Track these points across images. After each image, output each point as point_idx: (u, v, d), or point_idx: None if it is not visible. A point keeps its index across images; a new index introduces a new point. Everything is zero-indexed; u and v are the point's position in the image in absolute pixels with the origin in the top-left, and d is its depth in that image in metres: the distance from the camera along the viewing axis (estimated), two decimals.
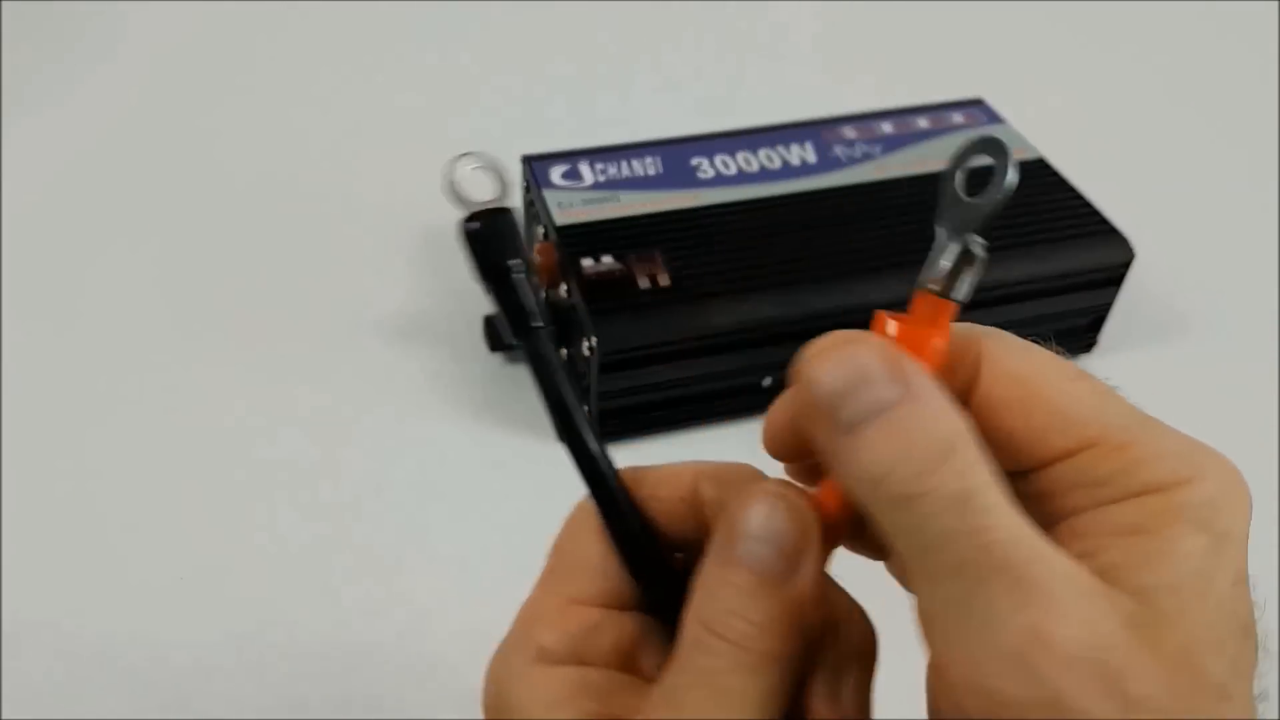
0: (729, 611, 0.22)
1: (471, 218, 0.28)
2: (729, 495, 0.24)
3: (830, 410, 0.21)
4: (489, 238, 0.28)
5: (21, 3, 0.85)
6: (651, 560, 0.25)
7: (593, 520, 0.25)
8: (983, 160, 0.22)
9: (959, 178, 0.23)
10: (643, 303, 0.51)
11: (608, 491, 0.25)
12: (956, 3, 0.90)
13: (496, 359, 0.59)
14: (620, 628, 0.25)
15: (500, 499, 0.52)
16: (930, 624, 0.20)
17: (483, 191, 0.25)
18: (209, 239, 0.67)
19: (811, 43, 0.87)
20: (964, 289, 0.23)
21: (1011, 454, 0.22)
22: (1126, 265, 0.57)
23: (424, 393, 0.58)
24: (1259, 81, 0.83)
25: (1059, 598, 0.18)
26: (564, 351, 0.57)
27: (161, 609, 0.47)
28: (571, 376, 0.23)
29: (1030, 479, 0.22)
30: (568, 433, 0.25)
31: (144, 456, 0.54)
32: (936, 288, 0.23)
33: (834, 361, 0.21)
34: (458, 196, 0.28)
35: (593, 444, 0.25)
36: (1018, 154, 0.63)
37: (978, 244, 0.23)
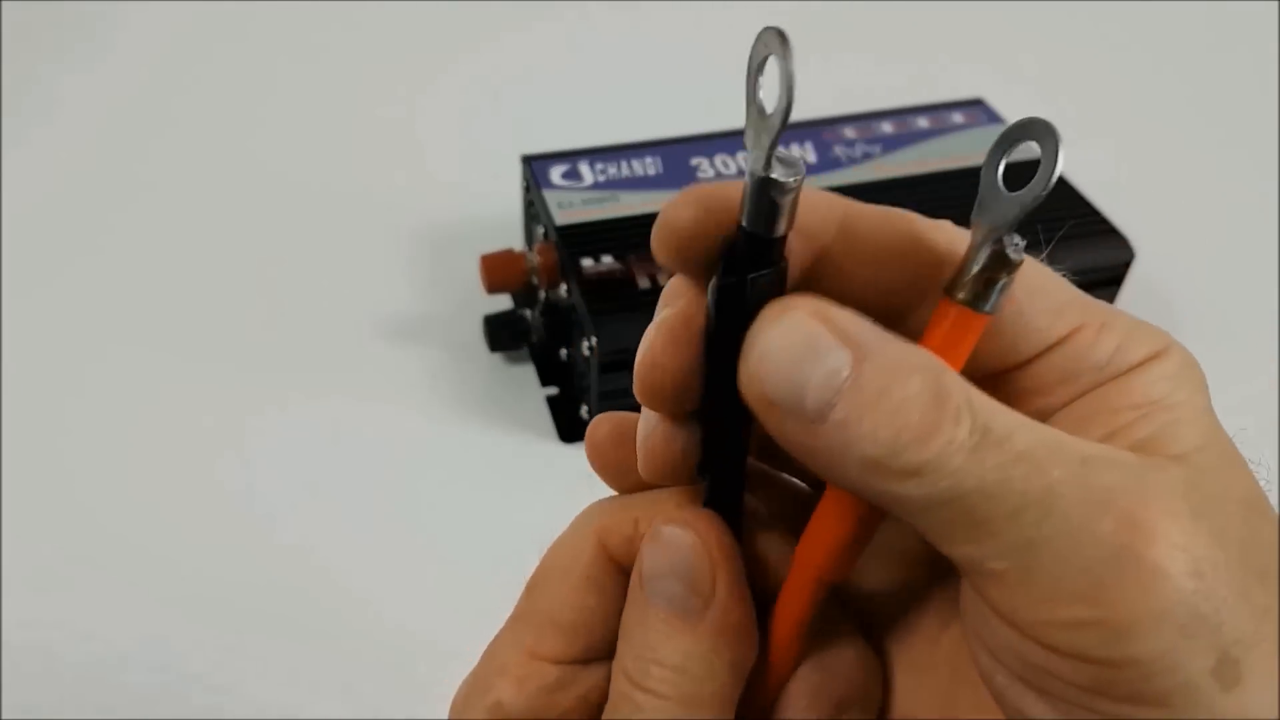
0: (645, 657, 0.21)
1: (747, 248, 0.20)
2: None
3: (792, 405, 0.18)
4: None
5: (21, 2, 0.85)
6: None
7: (569, 566, 0.24)
8: (1023, 153, 0.19)
9: (1001, 167, 0.20)
10: (643, 303, 0.51)
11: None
12: (956, 3, 0.90)
13: (496, 359, 0.59)
14: (588, 680, 0.24)
15: (500, 498, 0.52)
16: (990, 579, 0.18)
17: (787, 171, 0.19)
18: (209, 239, 0.67)
19: (812, 42, 0.87)
20: (994, 298, 0.19)
21: (999, 354, 0.20)
22: (1126, 265, 0.57)
23: (424, 393, 0.58)
24: (1259, 81, 0.83)
25: (1132, 490, 0.17)
26: (564, 351, 0.57)
27: (161, 609, 0.47)
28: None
29: (1010, 378, 0.21)
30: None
31: (144, 457, 0.54)
32: (964, 296, 0.19)
33: (774, 349, 0.18)
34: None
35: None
36: (1017, 154, 0.63)
37: (1016, 245, 0.19)
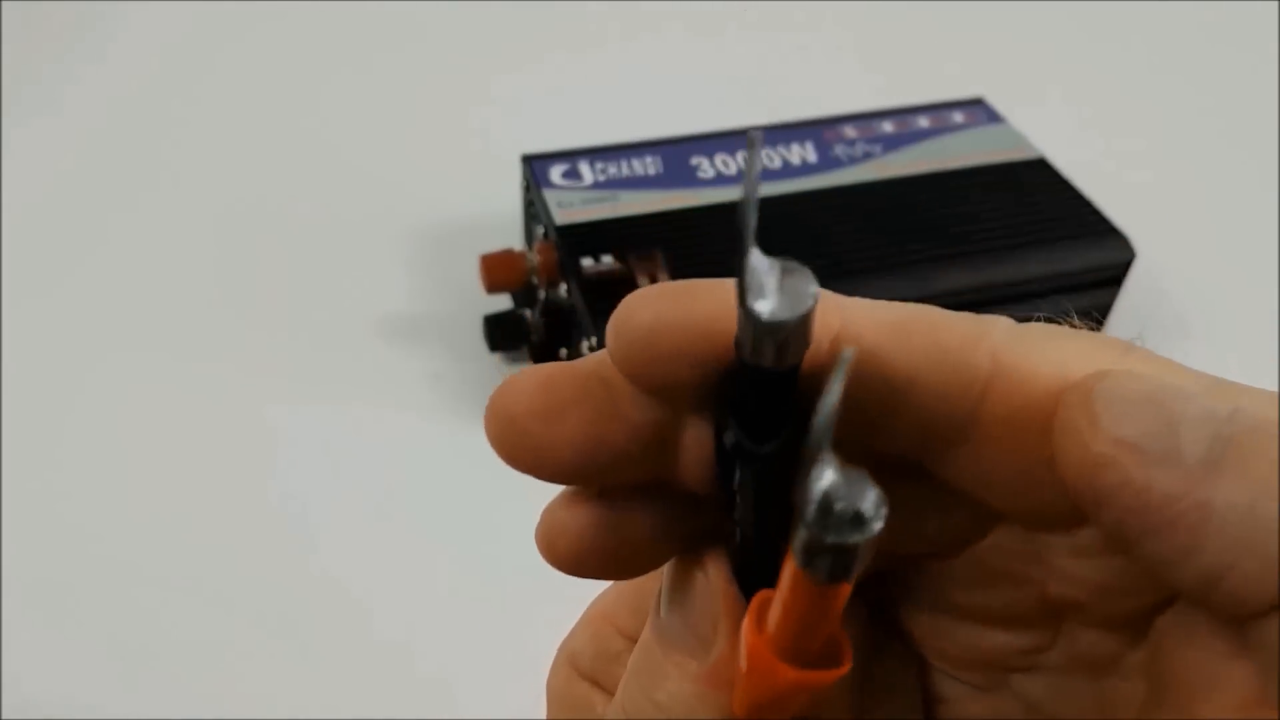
0: (640, 687, 0.20)
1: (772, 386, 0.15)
2: None
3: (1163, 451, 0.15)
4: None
5: (21, 2, 0.85)
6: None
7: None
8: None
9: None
10: None
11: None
12: (957, 2, 0.90)
13: (496, 359, 0.59)
14: None
15: (500, 498, 0.52)
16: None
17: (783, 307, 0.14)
18: (209, 240, 0.67)
19: (812, 42, 0.87)
20: (841, 569, 0.14)
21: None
22: (1127, 265, 0.57)
23: (424, 393, 0.57)
24: (1259, 81, 0.83)
25: None
26: (564, 351, 0.57)
27: (160, 609, 0.47)
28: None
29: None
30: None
31: (143, 458, 0.54)
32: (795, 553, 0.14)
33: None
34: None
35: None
36: (1018, 153, 0.63)
37: (868, 500, 0.13)
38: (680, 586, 0.20)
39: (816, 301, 0.14)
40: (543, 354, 0.59)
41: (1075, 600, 0.17)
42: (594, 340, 0.51)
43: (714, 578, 0.19)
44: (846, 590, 0.14)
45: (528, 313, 0.59)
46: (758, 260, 0.14)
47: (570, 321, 0.55)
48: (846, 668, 0.16)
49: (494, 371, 0.59)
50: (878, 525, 0.13)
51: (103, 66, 0.81)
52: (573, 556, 0.19)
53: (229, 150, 0.74)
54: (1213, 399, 0.15)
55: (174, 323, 0.61)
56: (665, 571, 0.20)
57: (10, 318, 0.61)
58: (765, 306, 0.14)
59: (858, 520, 0.13)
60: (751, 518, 0.17)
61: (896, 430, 0.17)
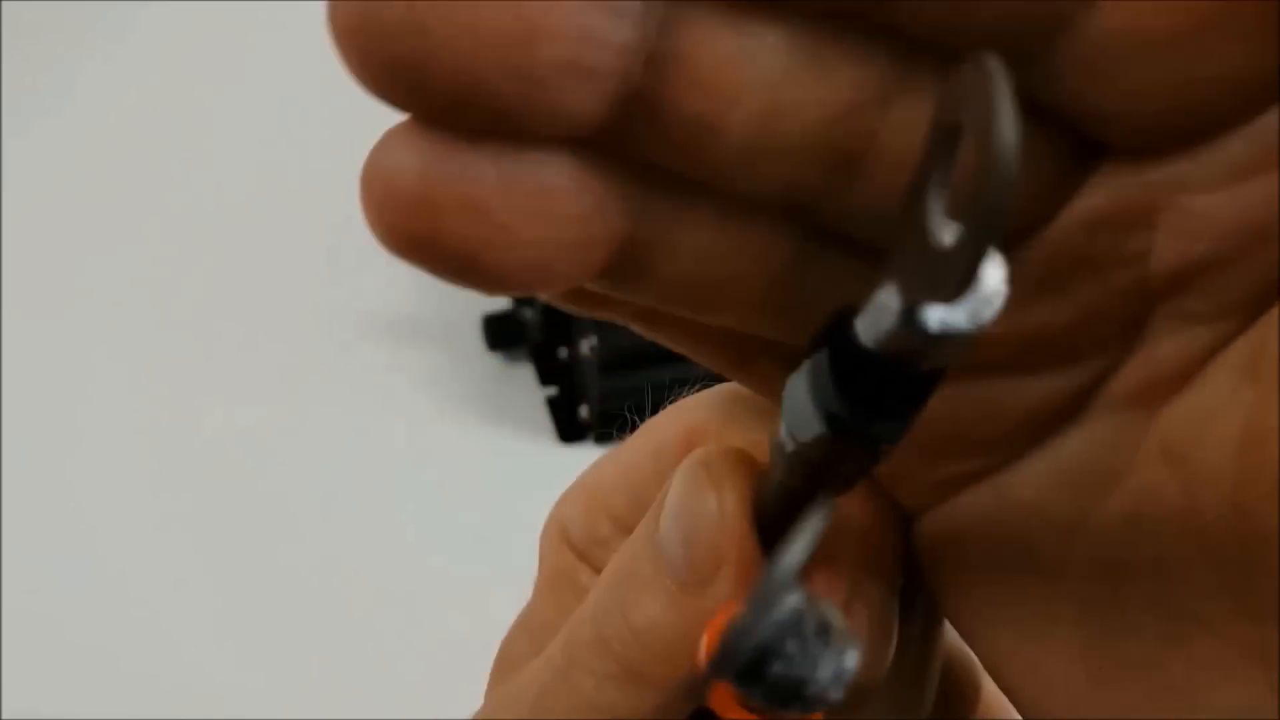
0: (617, 600, 0.16)
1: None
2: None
3: None
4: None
5: (22, 2, 0.85)
6: None
7: (659, 449, 0.19)
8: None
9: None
10: None
11: None
12: None
13: (496, 359, 0.59)
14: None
15: (499, 497, 0.52)
16: None
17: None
18: (208, 239, 0.67)
19: None
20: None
21: None
22: None
23: (423, 392, 0.57)
24: None
25: None
26: (563, 351, 0.57)
27: (159, 611, 0.47)
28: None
29: None
30: None
31: (142, 458, 0.54)
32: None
33: None
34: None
35: None
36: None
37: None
38: (687, 505, 0.16)
39: (1005, 303, 0.09)
40: (542, 353, 0.59)
41: (1188, 271, 0.12)
42: (595, 340, 0.51)
43: (730, 510, 0.15)
44: None
45: (527, 312, 0.59)
46: (936, 222, 0.10)
47: (570, 321, 0.55)
48: None
49: (494, 371, 0.59)
50: (832, 697, 0.10)
51: (104, 67, 0.81)
52: (410, 211, 0.11)
53: (229, 150, 0.73)
54: None
55: (172, 322, 0.61)
56: (675, 476, 0.16)
57: (11, 317, 0.61)
58: (940, 315, 0.09)
59: (798, 690, 0.10)
60: (800, 485, 0.13)
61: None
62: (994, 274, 0.09)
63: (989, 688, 0.20)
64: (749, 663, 0.10)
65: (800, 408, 0.11)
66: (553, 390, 0.58)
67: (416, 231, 0.11)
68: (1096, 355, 0.13)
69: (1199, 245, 0.12)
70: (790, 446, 0.12)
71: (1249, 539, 0.12)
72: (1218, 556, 0.13)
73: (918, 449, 0.14)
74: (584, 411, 0.55)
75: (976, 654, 0.16)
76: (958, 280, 0.09)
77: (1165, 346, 0.13)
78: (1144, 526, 0.13)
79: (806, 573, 0.13)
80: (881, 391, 0.11)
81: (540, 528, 0.20)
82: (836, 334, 0.11)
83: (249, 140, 0.75)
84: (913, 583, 0.16)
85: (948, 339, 0.09)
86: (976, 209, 0.09)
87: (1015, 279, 0.10)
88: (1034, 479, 0.14)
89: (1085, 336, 0.13)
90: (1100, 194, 0.12)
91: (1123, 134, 0.12)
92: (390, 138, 0.11)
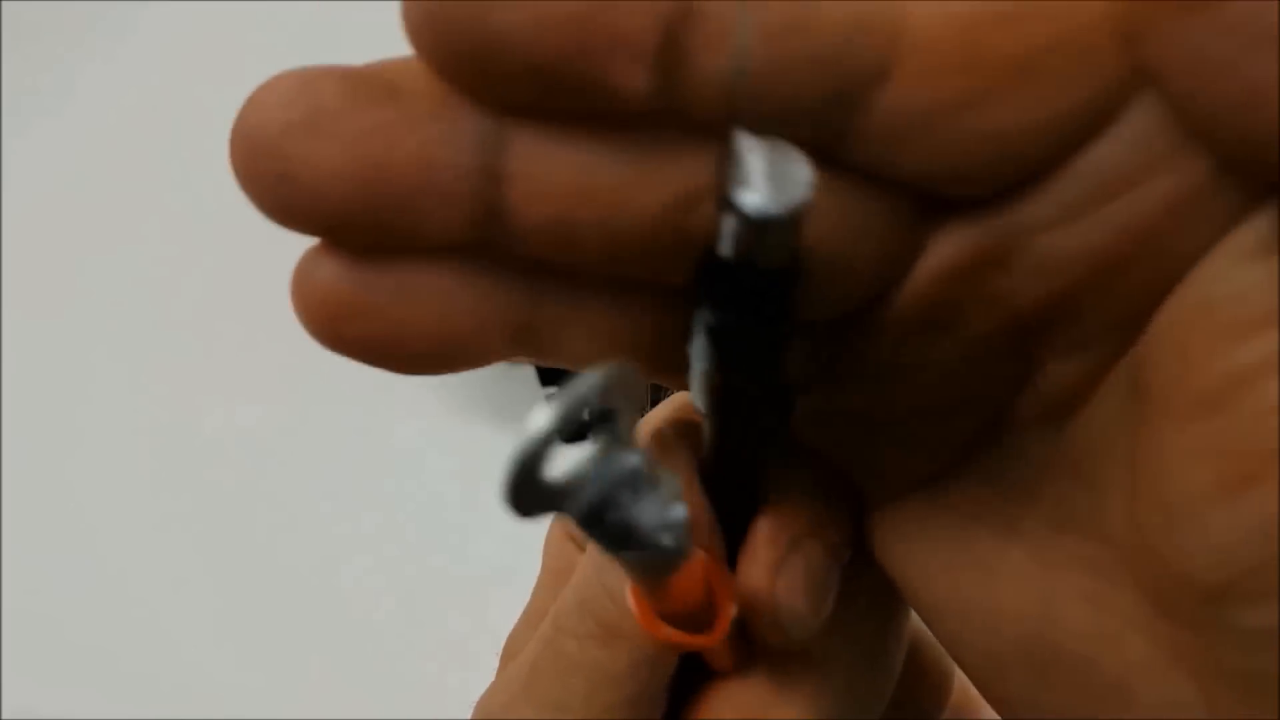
0: (594, 565, 0.18)
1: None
2: None
3: None
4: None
5: (22, 3, 0.85)
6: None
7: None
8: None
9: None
10: None
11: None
12: None
13: None
14: None
15: (498, 498, 0.52)
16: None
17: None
18: (208, 239, 0.67)
19: None
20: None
21: None
22: None
23: (422, 392, 0.57)
24: None
25: None
26: None
27: (159, 611, 0.47)
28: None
29: None
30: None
31: (142, 459, 0.54)
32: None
33: None
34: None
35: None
36: None
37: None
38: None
39: (813, 192, 0.11)
40: None
41: (1054, 305, 0.13)
42: None
43: (678, 473, 0.17)
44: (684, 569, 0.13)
45: None
46: (743, 141, 0.11)
47: None
48: (713, 640, 0.15)
49: (494, 371, 0.59)
50: (664, 542, 0.12)
51: (103, 69, 0.81)
52: (327, 317, 0.14)
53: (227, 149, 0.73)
54: None
55: (174, 322, 0.61)
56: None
57: (10, 317, 0.61)
58: (753, 199, 0.11)
59: (629, 533, 0.12)
60: (717, 421, 0.15)
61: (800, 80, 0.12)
62: (801, 170, 0.11)
63: (963, 679, 0.21)
64: (589, 509, 0.12)
65: (697, 350, 0.13)
66: (553, 390, 0.58)
67: (333, 333, 0.14)
68: (998, 383, 0.14)
69: (1055, 281, 0.13)
70: (705, 400, 0.14)
71: (1151, 553, 0.13)
72: (1127, 560, 0.13)
73: (867, 469, 0.16)
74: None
75: (918, 610, 0.17)
76: (743, 169, 0.11)
77: (1057, 371, 0.14)
78: (1061, 527, 0.14)
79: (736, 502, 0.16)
80: (743, 291, 0.12)
81: (537, 527, 0.21)
82: (703, 255, 0.12)
83: None
84: (863, 563, 0.17)
85: (769, 222, 0.11)
86: (726, 104, 0.11)
87: (890, 321, 0.13)
88: (969, 491, 0.15)
89: (982, 369, 0.14)
90: (951, 243, 0.13)
91: (947, 188, 0.13)
92: (307, 256, 0.14)
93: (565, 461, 0.12)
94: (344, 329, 0.14)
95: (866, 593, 0.18)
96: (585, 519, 0.12)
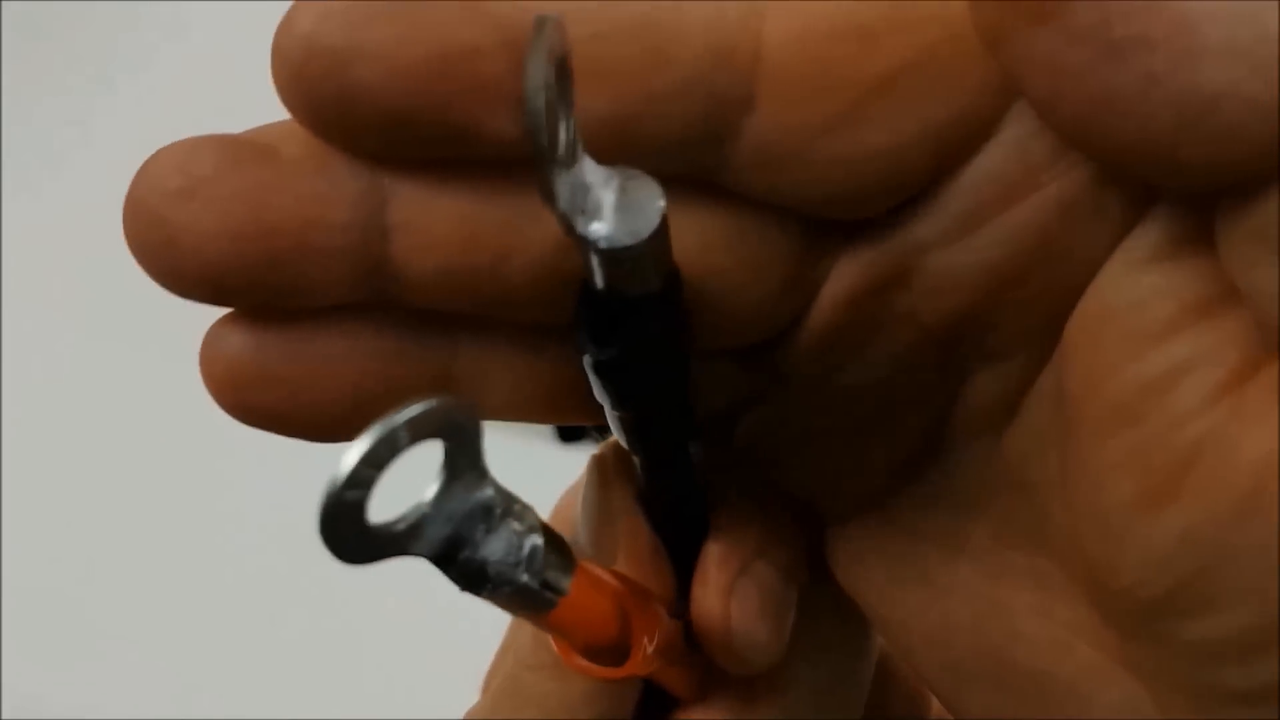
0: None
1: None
2: None
3: None
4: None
5: (22, 3, 0.85)
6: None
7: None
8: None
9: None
10: None
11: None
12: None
13: None
14: None
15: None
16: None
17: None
18: None
19: None
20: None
21: None
22: None
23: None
24: None
25: None
26: None
27: (159, 610, 0.47)
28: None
29: None
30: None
31: (141, 459, 0.54)
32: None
33: None
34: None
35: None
36: None
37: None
38: (588, 498, 0.17)
39: (664, 216, 0.11)
40: None
41: (962, 320, 0.13)
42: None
43: (616, 499, 0.17)
44: (573, 596, 0.13)
45: None
46: (588, 170, 0.11)
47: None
48: (622, 673, 0.15)
49: None
50: (520, 579, 0.11)
51: (104, 69, 0.81)
52: (232, 387, 0.13)
53: None
54: None
55: (174, 322, 0.61)
56: (584, 473, 0.18)
57: (11, 317, 0.61)
58: (600, 229, 0.11)
59: (482, 570, 0.12)
60: (638, 453, 0.15)
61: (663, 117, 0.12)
62: (651, 196, 0.11)
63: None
64: (439, 548, 0.12)
65: (594, 388, 0.13)
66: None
67: (238, 403, 0.13)
68: (929, 397, 0.14)
69: (956, 296, 0.13)
70: (620, 434, 0.14)
71: (1091, 565, 0.13)
72: (1070, 573, 0.14)
73: (819, 489, 0.16)
74: None
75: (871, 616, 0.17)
76: (591, 200, 0.11)
77: (985, 381, 0.14)
78: (1006, 540, 0.14)
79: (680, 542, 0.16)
80: (619, 321, 0.12)
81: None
82: (579, 290, 0.12)
83: None
84: (825, 582, 0.17)
85: (621, 251, 0.11)
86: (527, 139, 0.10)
87: (808, 344, 0.13)
88: (916, 508, 0.15)
89: (910, 384, 0.14)
90: (852, 266, 0.13)
91: (833, 211, 0.13)
92: (214, 327, 0.13)
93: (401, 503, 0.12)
94: (249, 398, 0.13)
95: (829, 612, 0.18)
96: (437, 559, 0.12)
